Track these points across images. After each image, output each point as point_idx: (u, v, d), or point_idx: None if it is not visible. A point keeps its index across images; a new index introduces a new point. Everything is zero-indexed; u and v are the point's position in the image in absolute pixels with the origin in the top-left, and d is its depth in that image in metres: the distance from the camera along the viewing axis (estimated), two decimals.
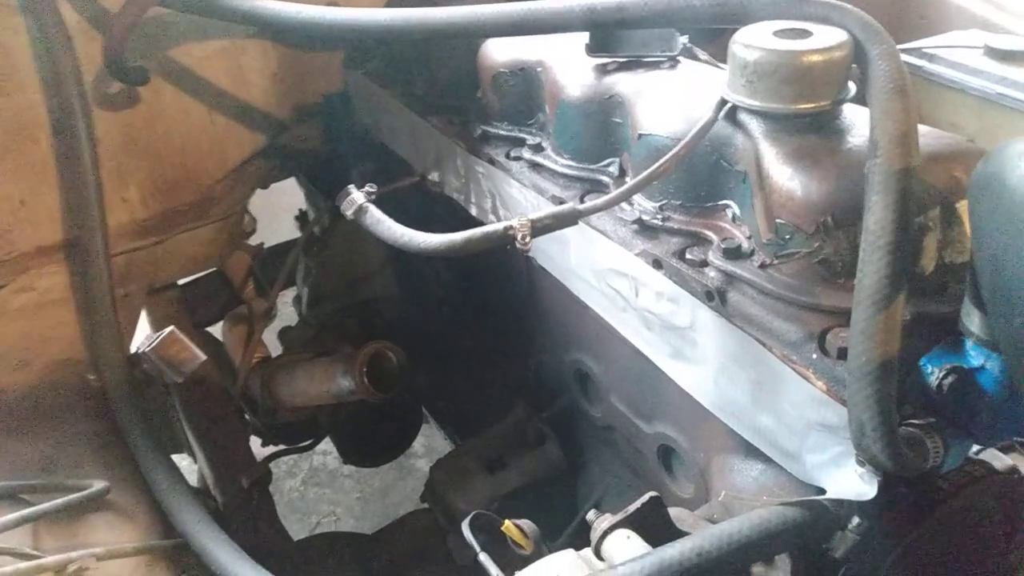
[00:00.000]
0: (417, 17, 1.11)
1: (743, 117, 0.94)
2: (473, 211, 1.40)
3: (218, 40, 1.55)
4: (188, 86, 1.54)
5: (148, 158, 1.52)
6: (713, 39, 1.36)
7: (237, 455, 1.72)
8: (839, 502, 0.85)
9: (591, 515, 0.93)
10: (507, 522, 1.02)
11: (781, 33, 0.89)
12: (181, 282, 1.92)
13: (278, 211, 2.47)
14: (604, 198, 0.96)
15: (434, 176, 1.48)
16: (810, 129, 0.91)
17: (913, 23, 1.79)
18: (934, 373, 0.81)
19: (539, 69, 1.23)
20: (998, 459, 0.98)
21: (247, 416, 1.89)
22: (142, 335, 1.63)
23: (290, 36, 1.62)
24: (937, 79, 1.40)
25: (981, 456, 0.97)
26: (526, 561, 0.92)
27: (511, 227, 0.93)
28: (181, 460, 1.77)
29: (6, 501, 1.13)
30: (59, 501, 1.10)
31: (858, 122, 0.91)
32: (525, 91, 1.27)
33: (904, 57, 1.44)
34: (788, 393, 0.89)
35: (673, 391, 1.10)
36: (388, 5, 1.62)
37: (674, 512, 0.95)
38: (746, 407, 0.96)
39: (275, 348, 2.05)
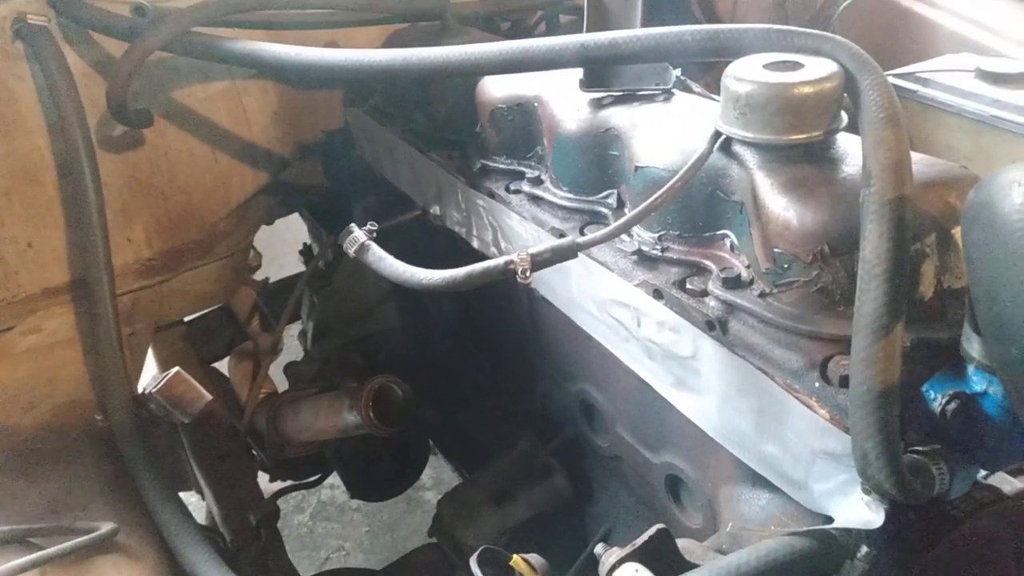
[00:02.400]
0: (414, 57, 1.13)
1: (738, 148, 0.95)
2: (475, 244, 1.41)
3: (220, 81, 1.58)
4: (191, 126, 1.56)
5: (153, 198, 1.54)
6: (706, 71, 1.38)
7: (245, 492, 1.72)
8: (847, 531, 0.84)
9: (599, 548, 0.93)
10: (515, 557, 1.02)
11: (772, 65, 0.90)
12: (187, 319, 1.94)
13: (282, 245, 2.49)
14: (603, 231, 0.97)
15: (435, 210, 1.50)
16: (804, 159, 0.91)
17: (906, 48, 1.81)
18: (937, 399, 0.81)
19: (536, 104, 1.25)
20: (1007, 483, 0.98)
21: (254, 452, 1.89)
22: (149, 373, 1.64)
23: (291, 76, 1.65)
24: (931, 103, 1.42)
25: (990, 481, 0.97)
26: None
27: (511, 262, 0.94)
28: (189, 497, 1.77)
29: (15, 545, 1.12)
30: (67, 544, 1.09)
31: (851, 151, 0.92)
32: (523, 126, 1.29)
33: (898, 82, 1.47)
34: (792, 422, 0.89)
35: (679, 420, 1.10)
36: (384, 44, 1.66)
37: (682, 544, 0.95)
38: (751, 436, 0.96)
39: (281, 383, 2.05)
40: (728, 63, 0.94)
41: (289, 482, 2.09)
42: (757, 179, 0.92)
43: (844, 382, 0.83)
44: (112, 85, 1.35)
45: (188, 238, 1.60)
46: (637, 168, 1.07)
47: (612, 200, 1.16)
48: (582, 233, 1.16)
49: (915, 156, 0.84)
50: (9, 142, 1.34)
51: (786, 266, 0.90)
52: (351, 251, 1.07)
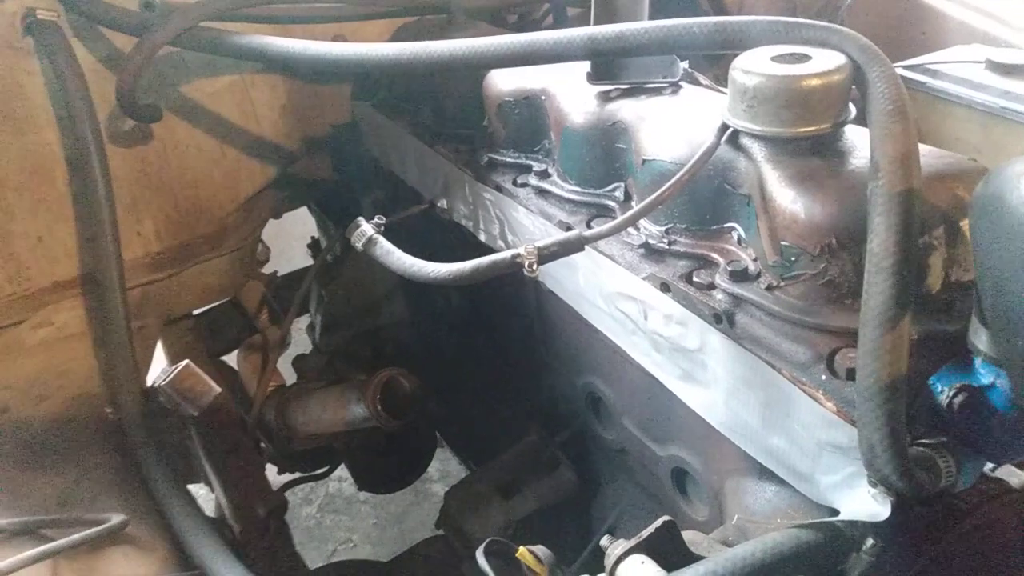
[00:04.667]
0: (422, 51, 1.13)
1: (745, 141, 0.95)
2: (482, 237, 1.41)
3: (228, 75, 1.58)
4: (200, 121, 1.57)
5: (162, 192, 1.54)
6: (714, 63, 1.37)
7: (253, 484, 1.72)
8: (853, 523, 0.84)
9: (605, 540, 0.93)
10: (521, 548, 1.02)
11: (780, 58, 0.90)
12: (196, 312, 1.95)
13: (291, 239, 2.50)
14: (610, 224, 0.97)
15: (443, 203, 1.50)
16: (812, 152, 0.91)
17: (915, 39, 1.80)
18: (944, 392, 0.81)
19: (543, 97, 1.25)
20: (1015, 475, 0.98)
21: (263, 444, 1.90)
22: (159, 366, 1.65)
23: (298, 70, 1.65)
24: (941, 94, 1.41)
25: (997, 473, 0.97)
26: None
27: (518, 255, 0.94)
28: (198, 489, 1.78)
29: (26, 537, 1.14)
30: (78, 536, 1.10)
31: (859, 144, 0.92)
32: (530, 119, 1.29)
33: (907, 73, 1.46)
34: (799, 414, 0.89)
35: (686, 413, 1.10)
36: (392, 38, 1.66)
37: (688, 536, 0.95)
38: (757, 429, 0.96)
39: (289, 376, 2.06)
40: (736, 55, 0.94)
41: (297, 474, 2.10)
42: (764, 172, 0.92)
43: (851, 375, 0.83)
44: (121, 80, 1.35)
45: (197, 232, 1.61)
46: (644, 161, 1.07)
47: (619, 193, 1.16)
48: (589, 226, 1.16)
49: (923, 148, 0.84)
50: (19, 137, 1.35)
51: (793, 259, 0.90)
52: (359, 245, 1.08)
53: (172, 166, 1.54)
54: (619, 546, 0.89)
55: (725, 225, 1.01)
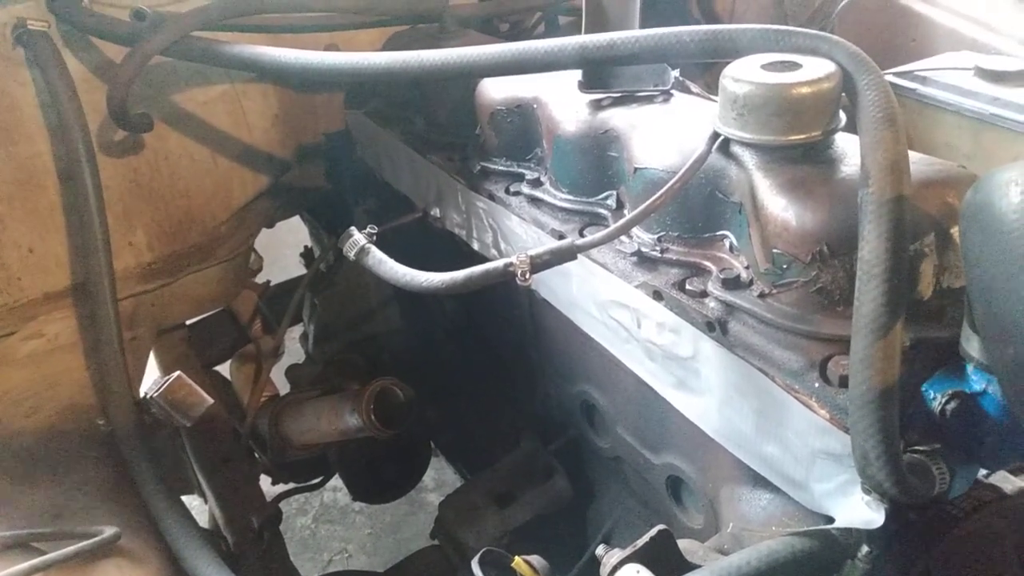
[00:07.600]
0: (414, 59, 1.13)
1: (736, 149, 0.95)
2: (475, 245, 1.41)
3: (220, 85, 1.58)
4: (191, 130, 1.57)
5: (153, 202, 1.54)
6: (705, 70, 1.38)
7: (247, 495, 1.72)
8: (848, 531, 0.84)
9: (600, 550, 0.93)
10: (517, 558, 1.02)
11: (770, 66, 0.90)
12: (189, 322, 1.94)
13: (284, 248, 2.49)
14: (602, 233, 0.97)
15: (435, 212, 1.50)
16: (802, 160, 0.91)
17: (904, 46, 1.81)
18: (936, 399, 0.81)
19: (535, 106, 1.25)
20: (1008, 482, 0.98)
21: (256, 455, 1.89)
22: (151, 377, 1.65)
23: (291, 79, 1.65)
24: (931, 101, 1.41)
25: (991, 479, 0.97)
26: None
27: (511, 264, 0.94)
28: (192, 501, 1.78)
29: (18, 550, 1.13)
30: (70, 549, 1.10)
31: (850, 151, 0.92)
32: (522, 127, 1.29)
33: (897, 80, 1.47)
34: (792, 422, 0.89)
35: (680, 421, 1.10)
36: (384, 47, 1.66)
37: (684, 544, 0.95)
38: (751, 436, 0.96)
39: (283, 386, 2.05)
40: (726, 63, 0.94)
41: (291, 485, 2.09)
42: (756, 180, 0.92)
43: (844, 382, 0.83)
44: (112, 90, 1.35)
45: (189, 242, 1.61)
46: (636, 169, 1.07)
47: (611, 201, 1.16)
48: (582, 235, 1.16)
49: (913, 155, 0.84)
50: (11, 147, 1.34)
51: (785, 266, 0.90)
52: (351, 255, 1.08)
53: (164, 176, 1.54)
54: (614, 555, 0.88)
55: (717, 233, 1.01)
